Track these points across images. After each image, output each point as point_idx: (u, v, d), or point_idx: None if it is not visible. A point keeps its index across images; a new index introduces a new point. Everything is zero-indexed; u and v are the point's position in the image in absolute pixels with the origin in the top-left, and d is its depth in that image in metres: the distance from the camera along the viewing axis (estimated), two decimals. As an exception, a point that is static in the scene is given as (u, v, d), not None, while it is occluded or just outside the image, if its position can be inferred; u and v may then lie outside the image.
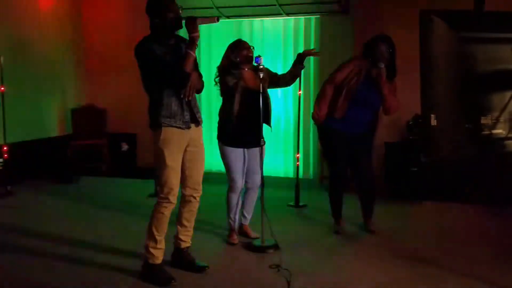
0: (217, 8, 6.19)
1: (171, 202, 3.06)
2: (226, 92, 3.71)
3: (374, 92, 3.82)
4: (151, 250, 3.08)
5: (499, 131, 1.79)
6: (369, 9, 5.70)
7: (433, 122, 1.67)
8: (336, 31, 5.92)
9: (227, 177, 3.81)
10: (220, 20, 3.06)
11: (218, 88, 3.79)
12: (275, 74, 3.96)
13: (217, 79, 3.78)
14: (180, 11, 3.08)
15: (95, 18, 7.05)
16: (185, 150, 3.13)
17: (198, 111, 3.20)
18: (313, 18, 6.16)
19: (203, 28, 6.67)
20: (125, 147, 7.09)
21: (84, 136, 6.81)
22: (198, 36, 2.98)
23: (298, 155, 5.35)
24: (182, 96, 3.01)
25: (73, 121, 6.94)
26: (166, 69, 2.95)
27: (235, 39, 3.92)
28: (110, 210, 4.87)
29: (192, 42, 2.97)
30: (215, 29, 6.52)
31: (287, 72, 3.97)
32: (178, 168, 3.08)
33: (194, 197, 3.23)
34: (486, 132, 1.74)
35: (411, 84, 5.19)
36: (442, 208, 4.92)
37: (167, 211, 3.07)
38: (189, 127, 3.09)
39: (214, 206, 4.44)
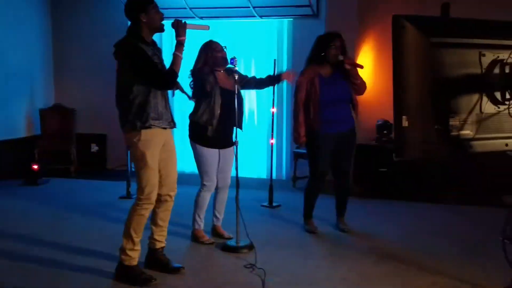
0: (191, 8, 6.20)
1: (151, 203, 3.05)
2: (202, 95, 3.70)
3: (337, 87, 3.91)
4: (128, 252, 3.05)
5: (467, 132, 1.88)
6: (340, 13, 5.82)
7: (405, 123, 1.74)
8: (308, 34, 5.97)
9: (201, 177, 3.82)
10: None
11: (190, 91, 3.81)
12: (245, 76, 3.98)
13: (191, 83, 3.77)
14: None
15: (64, 20, 6.93)
16: (161, 149, 3.12)
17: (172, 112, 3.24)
18: (286, 21, 6.24)
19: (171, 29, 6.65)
20: (95, 148, 6.99)
21: (52, 137, 6.67)
22: (185, 40, 3.03)
23: (272, 141, 5.31)
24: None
25: (41, 121, 6.79)
26: (157, 70, 2.97)
27: (207, 40, 3.91)
28: (80, 212, 4.78)
29: (180, 45, 3.01)
30: (188, 30, 6.49)
31: (258, 79, 4.00)
32: (157, 169, 3.08)
33: (170, 196, 3.23)
34: (455, 133, 1.82)
35: (381, 88, 5.37)
36: (412, 207, 5.09)
37: (147, 212, 3.06)
38: (171, 127, 3.14)
39: (188, 208, 4.43)
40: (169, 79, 3.01)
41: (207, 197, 3.84)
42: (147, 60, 2.94)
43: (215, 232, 4.00)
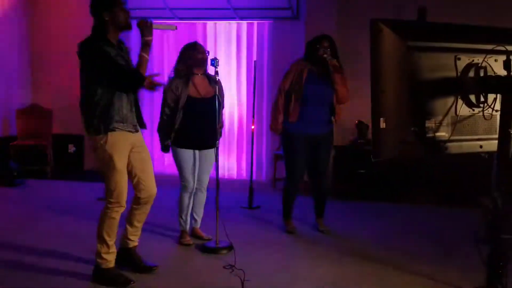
0: (171, 9, 6.17)
1: (122, 206, 3.01)
2: (174, 100, 3.72)
3: (321, 88, 3.96)
4: (104, 255, 3.02)
5: (442, 133, 1.92)
6: (320, 15, 5.88)
7: (382, 125, 1.77)
8: (287, 36, 6.07)
9: (180, 177, 3.82)
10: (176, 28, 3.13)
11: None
12: (222, 103, 3.89)
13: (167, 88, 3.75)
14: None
15: (43, 18, 6.82)
16: (131, 153, 3.07)
17: (141, 115, 3.17)
18: (266, 23, 6.27)
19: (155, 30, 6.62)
20: (72, 148, 6.89)
21: (28, 137, 6.55)
22: (152, 41, 2.96)
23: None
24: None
25: (17, 122, 6.66)
26: (121, 72, 2.89)
27: (188, 41, 3.91)
28: (56, 214, 4.71)
29: (146, 46, 2.94)
30: (168, 30, 6.46)
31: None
32: (125, 171, 3.02)
33: (151, 198, 3.19)
34: (430, 135, 1.86)
35: (359, 90, 5.42)
36: (390, 208, 5.17)
37: (118, 215, 3.02)
38: (136, 130, 3.07)
39: (167, 209, 4.41)
40: (134, 81, 2.93)
41: (185, 197, 3.83)
42: (110, 62, 2.84)
43: (194, 234, 3.99)
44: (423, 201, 5.30)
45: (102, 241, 3.01)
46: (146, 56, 2.95)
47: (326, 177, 4.20)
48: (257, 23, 6.30)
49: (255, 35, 6.34)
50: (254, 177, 6.00)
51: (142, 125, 3.16)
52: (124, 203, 3.01)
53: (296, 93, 3.93)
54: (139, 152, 3.10)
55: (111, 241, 3.03)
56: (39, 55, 6.90)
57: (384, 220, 4.80)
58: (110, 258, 3.04)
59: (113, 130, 2.91)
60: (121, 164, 2.96)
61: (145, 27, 2.93)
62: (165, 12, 6.20)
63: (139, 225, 3.25)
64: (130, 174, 3.08)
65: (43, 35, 6.84)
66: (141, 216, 3.23)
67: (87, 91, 2.93)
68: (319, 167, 4.10)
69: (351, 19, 5.83)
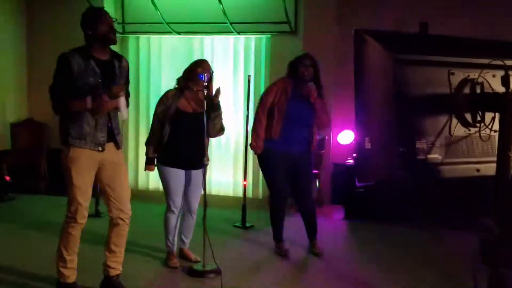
0: (168, 23, 6.07)
1: (78, 222, 2.93)
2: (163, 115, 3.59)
3: (304, 108, 3.83)
4: (61, 269, 2.98)
5: (435, 155, 1.74)
6: (318, 30, 5.75)
7: (367, 145, 1.60)
8: (285, 51, 5.90)
9: (166, 197, 3.66)
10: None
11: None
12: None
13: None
14: (115, 23, 2.94)
15: (40, 31, 6.74)
16: (101, 170, 2.97)
17: (119, 133, 3.05)
18: (264, 37, 6.15)
19: (153, 43, 6.54)
20: (67, 164, 6.74)
21: (22, 151, 6.43)
22: (105, 109, 2.83)
23: (245, 182, 5.23)
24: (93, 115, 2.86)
25: (12, 136, 6.55)
26: (56, 90, 2.84)
27: (184, 56, 3.80)
28: (43, 231, 4.55)
29: (90, 103, 2.79)
30: (165, 45, 6.38)
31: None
32: (85, 188, 2.92)
33: (122, 219, 3.06)
34: (421, 157, 1.69)
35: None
36: (389, 230, 4.94)
37: (75, 231, 2.94)
38: (101, 150, 2.92)
39: (152, 227, 4.24)
40: (54, 103, 2.85)
41: (172, 218, 3.66)
42: (56, 74, 2.85)
43: (181, 255, 3.82)
44: (423, 223, 5.05)
45: (60, 254, 2.98)
46: (85, 105, 2.78)
47: (309, 195, 4.03)
48: (255, 37, 6.18)
49: (252, 49, 6.22)
50: (250, 195, 5.82)
51: (115, 144, 3.02)
52: (81, 220, 2.93)
53: (280, 110, 3.81)
54: (108, 169, 2.99)
55: (69, 256, 2.97)
56: (35, 68, 6.81)
57: (383, 241, 4.58)
58: (68, 273, 2.99)
59: (69, 145, 2.86)
60: (79, 180, 2.88)
61: (97, 107, 2.79)
62: (163, 26, 6.11)
63: (117, 249, 3.09)
64: (103, 193, 3.02)
65: (39, 48, 6.74)
66: (118, 239, 3.07)
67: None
68: (300, 185, 3.94)
69: (350, 34, 5.69)
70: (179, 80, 3.68)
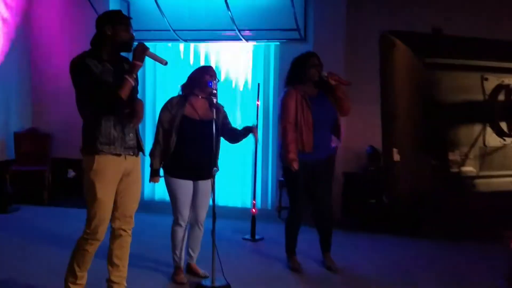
0: (174, 31, 5.98)
1: (97, 240, 2.79)
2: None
3: (322, 109, 3.68)
4: (70, 285, 2.85)
5: (469, 168, 1.59)
6: (328, 37, 5.63)
7: (396, 157, 1.46)
8: (295, 59, 5.80)
9: (173, 210, 3.51)
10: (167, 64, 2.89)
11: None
12: (228, 122, 3.64)
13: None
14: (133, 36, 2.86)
15: (44, 40, 6.67)
16: (121, 181, 2.85)
17: (141, 139, 2.97)
18: (272, 44, 6.04)
19: (160, 50, 6.43)
20: (71, 173, 6.63)
21: (26, 161, 6.32)
22: (141, 67, 2.76)
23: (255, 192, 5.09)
24: (132, 124, 2.81)
25: (15, 145, 6.45)
26: (98, 90, 2.68)
27: (192, 63, 3.68)
28: (48, 243, 4.41)
29: (133, 69, 2.73)
30: (172, 52, 6.28)
31: (234, 133, 3.61)
32: (110, 202, 2.80)
33: (125, 230, 2.93)
34: (455, 170, 1.54)
35: (371, 113, 5.08)
36: (404, 242, 4.76)
37: (92, 248, 2.81)
38: (130, 154, 2.84)
39: (159, 240, 4.09)
40: (110, 102, 2.71)
41: (179, 231, 3.51)
42: (87, 78, 2.67)
43: (189, 270, 3.67)
44: (439, 234, 4.87)
45: (71, 270, 2.85)
46: (130, 79, 2.71)
47: (328, 204, 3.83)
48: (263, 45, 6.07)
49: (261, 57, 6.10)
50: (259, 206, 5.66)
51: (140, 149, 2.94)
52: (101, 236, 2.80)
53: (307, 123, 3.62)
54: (127, 181, 2.87)
55: (81, 272, 2.85)
56: (39, 77, 6.73)
57: (398, 255, 4.40)
58: None
59: (95, 152, 2.70)
60: (103, 193, 2.74)
61: (140, 52, 2.73)
62: (170, 33, 6.01)
63: (120, 263, 2.95)
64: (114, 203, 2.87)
65: (44, 57, 6.67)
66: (120, 251, 2.94)
67: (79, 110, 2.81)
68: (319, 191, 3.76)
69: (361, 41, 5.57)
70: (184, 87, 3.55)
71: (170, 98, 3.55)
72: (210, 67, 3.61)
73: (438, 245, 4.68)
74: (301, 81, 3.70)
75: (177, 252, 3.54)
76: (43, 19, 6.64)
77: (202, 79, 3.44)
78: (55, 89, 6.60)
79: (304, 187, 3.72)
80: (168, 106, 3.47)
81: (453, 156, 1.55)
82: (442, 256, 4.39)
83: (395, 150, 1.49)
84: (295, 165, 3.58)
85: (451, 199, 1.53)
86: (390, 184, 1.51)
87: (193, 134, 3.41)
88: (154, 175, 3.46)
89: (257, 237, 4.79)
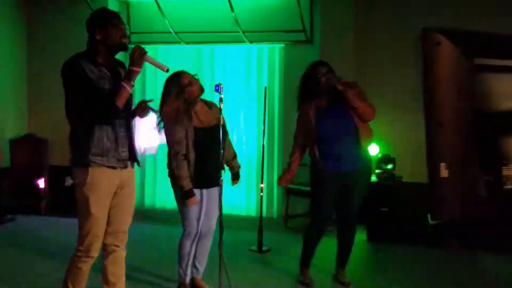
0: (176, 33, 5.79)
1: (91, 257, 2.60)
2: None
3: (333, 119, 3.43)
4: None
5: (526, 185, 1.39)
6: (335, 38, 5.44)
7: (443, 173, 1.26)
8: (301, 61, 5.56)
9: (183, 222, 3.31)
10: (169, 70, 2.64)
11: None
12: (227, 133, 3.45)
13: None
14: (128, 32, 2.63)
15: (40, 44, 6.47)
16: (116, 194, 2.65)
17: (136, 150, 2.75)
18: (277, 46, 5.86)
19: (161, 53, 6.23)
20: (69, 181, 6.41)
21: (22, 169, 6.11)
22: (139, 73, 2.53)
23: (262, 194, 4.89)
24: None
25: (11, 152, 6.24)
26: (94, 98, 2.47)
27: (194, 66, 3.46)
28: (45, 256, 4.21)
29: (130, 75, 2.50)
30: (174, 55, 6.07)
31: (228, 157, 3.47)
32: (104, 218, 2.60)
33: (117, 246, 2.73)
34: (510, 186, 1.34)
35: (380, 118, 4.85)
36: (418, 253, 4.49)
37: (86, 266, 2.62)
38: (125, 166, 2.63)
39: (160, 252, 3.88)
40: (105, 111, 2.50)
41: (187, 244, 3.30)
42: (83, 84, 2.46)
43: (194, 285, 3.45)
44: (455, 245, 4.62)
45: None
46: (127, 87, 2.49)
47: (353, 220, 3.58)
48: (268, 46, 5.88)
49: (266, 59, 5.91)
50: (264, 214, 5.46)
51: (135, 160, 2.74)
52: (95, 254, 2.61)
53: (311, 135, 3.44)
54: (121, 194, 2.67)
55: None
56: (35, 82, 6.54)
57: (413, 268, 4.16)
58: None
59: (87, 164, 2.50)
60: (97, 209, 2.54)
61: (136, 56, 2.49)
62: (171, 36, 5.82)
63: (116, 280, 2.75)
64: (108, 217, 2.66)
65: (40, 62, 6.48)
66: (114, 268, 2.74)
67: (67, 117, 2.60)
68: (346, 206, 3.52)
69: (369, 42, 5.37)
70: (172, 100, 3.20)
71: (170, 113, 3.20)
72: (186, 75, 3.31)
73: (453, 256, 4.42)
74: (312, 95, 3.46)
75: (183, 266, 3.33)
76: (39, 20, 6.45)
77: (193, 89, 3.21)
78: (51, 94, 6.40)
79: (331, 199, 3.49)
80: (178, 121, 3.18)
81: (508, 171, 1.35)
82: (458, 268, 4.14)
83: (442, 165, 1.29)
84: (282, 183, 3.70)
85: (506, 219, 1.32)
86: (437, 204, 1.30)
87: (202, 143, 3.22)
88: (190, 196, 3.17)
89: (264, 248, 4.58)
